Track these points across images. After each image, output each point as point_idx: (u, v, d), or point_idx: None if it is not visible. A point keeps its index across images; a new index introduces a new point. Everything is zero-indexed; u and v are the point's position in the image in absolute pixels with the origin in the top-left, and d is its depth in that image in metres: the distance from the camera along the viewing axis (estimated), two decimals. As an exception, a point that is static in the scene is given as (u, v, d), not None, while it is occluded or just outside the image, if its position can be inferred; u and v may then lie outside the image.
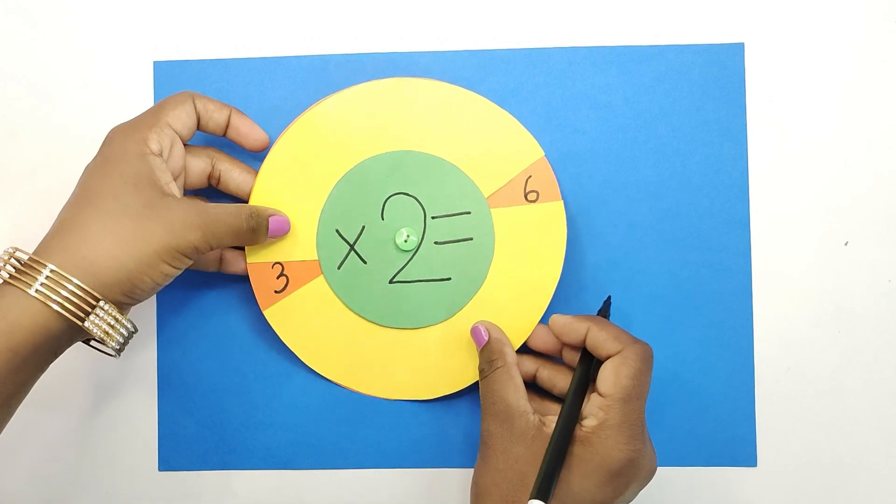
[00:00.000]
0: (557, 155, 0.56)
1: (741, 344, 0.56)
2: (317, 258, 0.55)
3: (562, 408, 0.50)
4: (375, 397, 0.56)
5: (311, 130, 0.55)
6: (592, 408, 0.48)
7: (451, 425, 0.56)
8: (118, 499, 0.57)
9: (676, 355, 0.56)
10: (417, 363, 0.56)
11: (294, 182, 0.55)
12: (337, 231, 0.55)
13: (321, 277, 0.55)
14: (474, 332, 0.54)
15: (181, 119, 0.51)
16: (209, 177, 0.54)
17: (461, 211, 0.55)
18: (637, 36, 0.56)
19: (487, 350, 0.52)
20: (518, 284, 0.55)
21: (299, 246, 0.55)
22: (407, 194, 0.55)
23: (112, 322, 0.47)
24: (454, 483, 0.57)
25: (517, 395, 0.50)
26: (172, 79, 0.57)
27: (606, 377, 0.48)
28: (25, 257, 0.47)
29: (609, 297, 0.54)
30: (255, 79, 0.57)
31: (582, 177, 0.56)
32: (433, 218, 0.55)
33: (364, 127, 0.55)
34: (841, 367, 0.56)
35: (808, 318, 0.56)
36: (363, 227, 0.55)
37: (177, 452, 0.57)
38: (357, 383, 0.56)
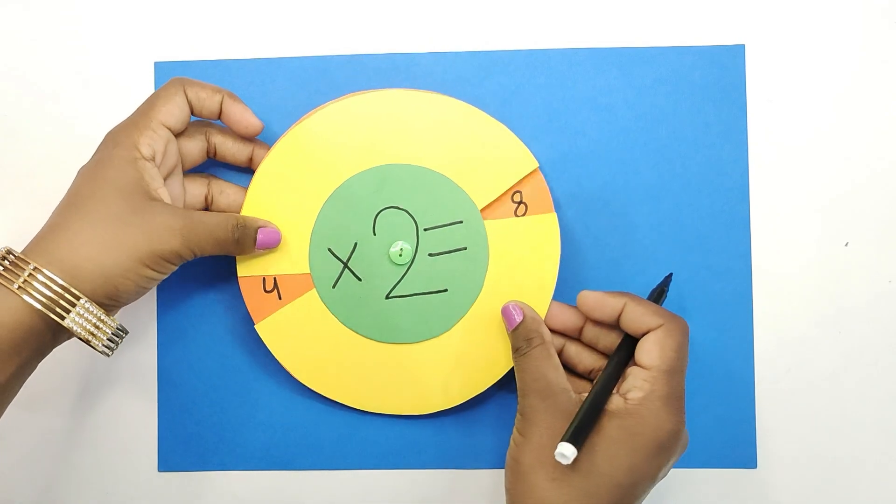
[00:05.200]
0: (558, 156, 0.56)
1: (741, 344, 0.56)
2: (308, 272, 0.55)
3: (603, 370, 0.49)
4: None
5: (298, 148, 0.55)
6: (636, 380, 0.48)
7: (450, 427, 0.56)
8: (118, 499, 0.57)
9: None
10: (415, 378, 0.55)
11: (283, 200, 0.54)
12: (329, 250, 0.55)
13: (314, 291, 0.55)
14: (505, 312, 0.53)
15: (174, 115, 0.51)
16: (206, 152, 0.55)
17: (453, 221, 0.55)
18: (638, 37, 0.56)
19: (524, 328, 0.52)
20: (514, 295, 0.54)
21: (291, 259, 0.55)
22: (397, 208, 0.55)
23: (96, 322, 0.48)
24: (453, 484, 0.56)
25: (556, 372, 0.50)
26: (173, 79, 0.57)
27: (650, 350, 0.48)
28: (13, 257, 0.47)
29: (671, 275, 0.54)
30: (255, 79, 0.57)
31: (582, 178, 0.56)
32: (425, 230, 0.55)
33: (349, 143, 0.54)
34: (841, 367, 0.56)
35: (808, 318, 0.56)
36: (355, 244, 0.55)
37: (176, 452, 0.57)
38: (354, 400, 0.56)
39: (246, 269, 0.55)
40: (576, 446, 0.45)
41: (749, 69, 0.56)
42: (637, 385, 0.47)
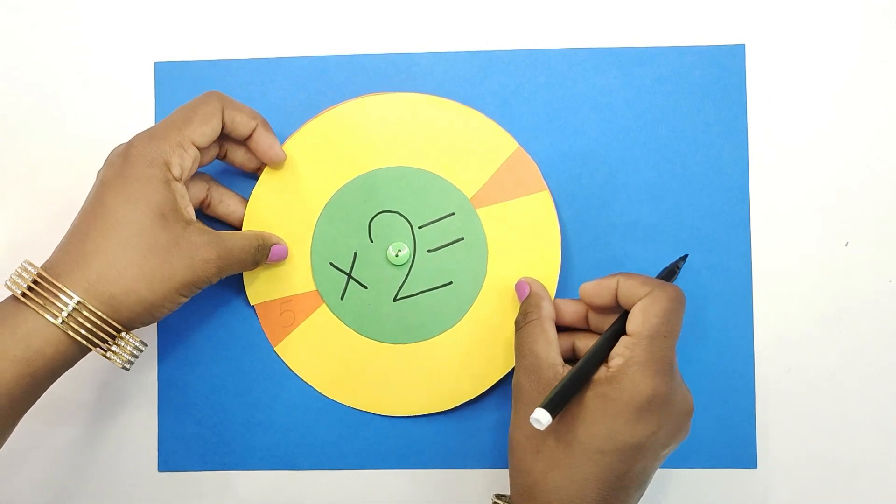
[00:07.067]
0: (558, 156, 0.56)
1: (741, 344, 0.56)
2: (315, 288, 0.55)
3: (594, 343, 0.49)
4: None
5: (282, 173, 0.55)
6: (619, 348, 0.47)
7: (450, 427, 0.56)
8: (118, 499, 0.57)
9: (677, 356, 0.55)
10: (435, 374, 0.55)
11: (277, 224, 0.55)
12: (331, 264, 0.55)
13: (324, 306, 0.55)
14: (518, 286, 0.53)
15: (206, 135, 0.50)
16: (202, 202, 0.54)
17: (446, 214, 0.55)
18: (638, 37, 0.56)
19: (525, 304, 0.52)
20: (520, 275, 0.54)
21: (297, 280, 0.55)
22: (389, 211, 0.55)
23: (130, 349, 0.49)
24: (453, 484, 0.56)
25: (548, 347, 0.49)
26: (173, 79, 0.57)
27: (635, 317, 0.48)
28: (32, 269, 0.47)
29: (685, 256, 0.53)
30: (255, 79, 0.57)
31: (583, 177, 0.56)
32: (420, 227, 0.55)
33: (331, 158, 0.55)
34: (841, 367, 0.56)
35: (808, 318, 0.56)
36: (355, 254, 0.55)
37: (177, 453, 0.57)
38: (379, 406, 0.56)
39: (257, 297, 0.56)
40: (552, 413, 0.44)
41: (749, 69, 0.56)
42: (619, 352, 0.47)
